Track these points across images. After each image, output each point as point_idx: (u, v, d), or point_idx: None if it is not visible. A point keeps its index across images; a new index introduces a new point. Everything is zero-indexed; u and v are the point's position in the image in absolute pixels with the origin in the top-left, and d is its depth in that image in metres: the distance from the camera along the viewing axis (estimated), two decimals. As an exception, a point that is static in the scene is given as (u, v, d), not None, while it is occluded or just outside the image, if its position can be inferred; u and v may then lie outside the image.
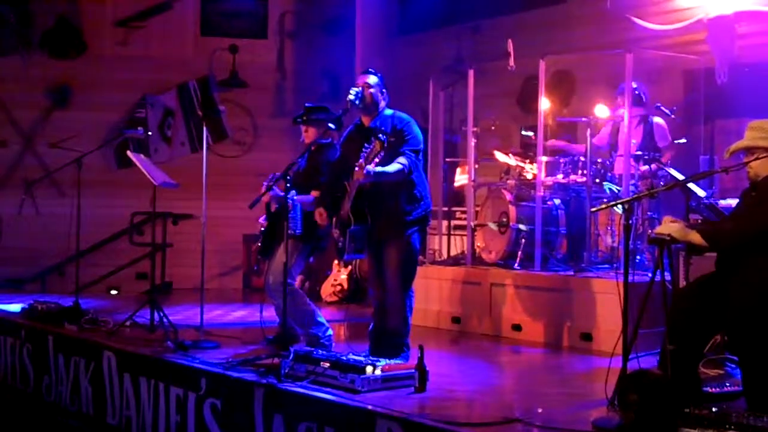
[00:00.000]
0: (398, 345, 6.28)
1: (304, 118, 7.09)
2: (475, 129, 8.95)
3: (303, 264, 7.13)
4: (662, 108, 8.23)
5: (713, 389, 5.27)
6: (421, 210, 6.34)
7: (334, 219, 6.38)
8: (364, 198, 6.11)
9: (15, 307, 8.95)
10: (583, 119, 8.56)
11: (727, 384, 5.43)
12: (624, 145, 8.01)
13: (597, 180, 8.18)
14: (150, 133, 12.06)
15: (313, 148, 6.91)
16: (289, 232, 6.17)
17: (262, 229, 7.16)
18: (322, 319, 6.99)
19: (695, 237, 4.92)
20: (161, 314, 7.52)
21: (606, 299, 7.15)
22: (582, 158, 8.23)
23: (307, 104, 7.33)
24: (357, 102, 6.30)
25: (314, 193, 6.85)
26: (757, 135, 5.12)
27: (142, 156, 8.34)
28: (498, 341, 7.94)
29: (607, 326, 7.10)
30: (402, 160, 6.13)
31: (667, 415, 4.30)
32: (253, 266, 11.72)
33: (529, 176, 8.62)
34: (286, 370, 5.63)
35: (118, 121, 12.45)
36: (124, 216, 11.46)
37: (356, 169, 5.95)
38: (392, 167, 6.08)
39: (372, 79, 6.37)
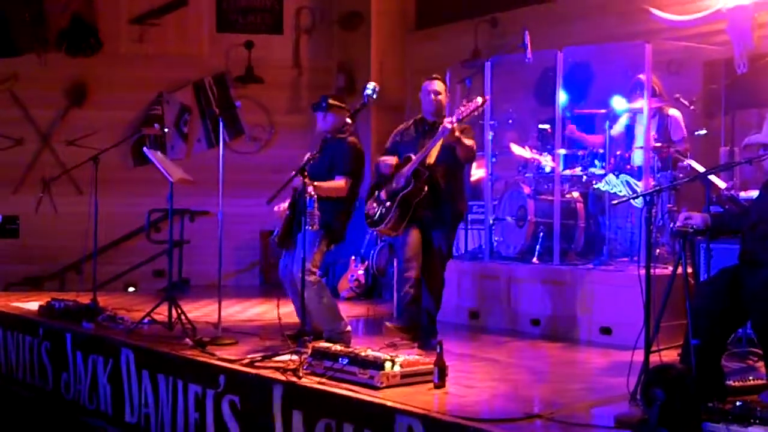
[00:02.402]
0: (433, 328, 6.84)
1: (324, 105, 7.04)
2: (492, 122, 8.91)
3: (322, 255, 7.05)
4: (681, 99, 8.16)
5: (736, 382, 5.21)
6: (465, 206, 7.02)
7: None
8: (426, 169, 6.51)
9: (33, 305, 8.96)
10: (601, 111, 8.51)
11: (751, 377, 5.37)
12: (644, 137, 7.94)
13: (615, 173, 8.11)
14: (166, 130, 12.07)
15: (329, 136, 6.89)
16: (306, 227, 6.15)
17: (286, 213, 7.07)
18: (341, 315, 6.97)
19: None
20: (179, 311, 7.51)
21: (625, 293, 7.09)
22: (601, 150, 8.17)
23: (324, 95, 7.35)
24: (374, 96, 6.36)
25: (339, 179, 6.81)
26: None
27: (158, 153, 8.34)
28: (517, 336, 7.89)
29: (627, 320, 7.03)
30: (472, 142, 6.60)
31: (691, 410, 4.25)
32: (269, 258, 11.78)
33: (547, 169, 8.57)
34: (305, 367, 5.61)
35: (134, 118, 12.46)
36: (141, 213, 11.46)
37: (445, 123, 6.35)
38: (469, 141, 6.53)
39: (440, 86, 6.81)
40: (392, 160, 6.75)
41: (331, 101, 7.02)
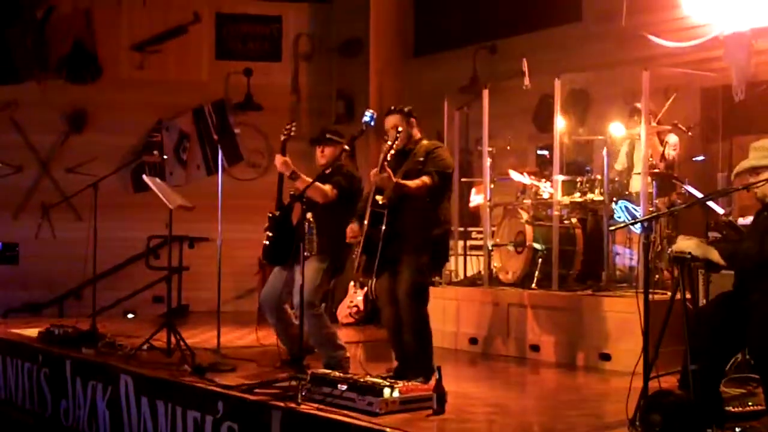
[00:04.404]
0: (420, 364, 6.29)
1: (320, 139, 7.08)
2: (490, 148, 8.93)
3: (327, 284, 7.02)
4: (679, 126, 8.19)
5: (736, 408, 5.20)
6: (440, 232, 6.41)
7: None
8: (381, 209, 6.20)
9: (32, 332, 8.95)
10: (599, 137, 8.54)
11: (750, 403, 5.36)
12: (642, 164, 7.97)
13: (614, 199, 8.13)
14: (166, 156, 12.11)
15: (327, 171, 6.88)
16: (306, 254, 6.15)
17: (269, 234, 7.07)
18: (341, 343, 6.96)
19: (713, 254, 4.87)
20: (178, 337, 7.50)
21: (624, 318, 7.08)
22: (599, 176, 8.20)
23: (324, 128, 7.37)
24: (372, 123, 6.34)
25: (328, 185, 6.77)
26: (759, 155, 5.13)
27: (157, 180, 8.36)
28: (516, 362, 7.89)
29: (626, 346, 7.03)
30: (425, 178, 6.23)
31: (689, 436, 4.25)
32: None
33: (546, 195, 8.58)
34: (304, 393, 5.60)
35: (134, 144, 12.52)
36: (141, 239, 11.47)
37: (373, 171, 6.08)
38: (414, 182, 6.19)
39: (396, 118, 6.42)
40: (351, 230, 6.47)
41: (328, 135, 7.05)
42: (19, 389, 8.43)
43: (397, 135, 6.19)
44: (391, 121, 6.44)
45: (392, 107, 6.58)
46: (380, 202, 6.21)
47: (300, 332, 6.28)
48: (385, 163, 6.06)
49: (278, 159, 6.85)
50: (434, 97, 9.84)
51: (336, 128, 7.45)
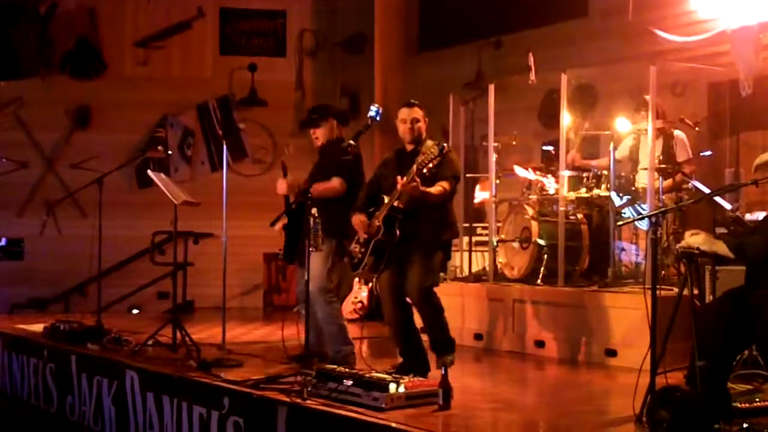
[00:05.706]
0: (444, 341, 6.46)
1: (308, 121, 7.12)
2: (495, 144, 8.91)
3: (335, 268, 7.02)
4: (686, 121, 8.16)
5: (743, 405, 5.18)
6: (450, 235, 6.51)
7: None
8: (398, 214, 6.23)
9: (38, 327, 8.95)
10: (606, 132, 8.51)
11: (757, 399, 5.35)
12: (648, 159, 7.95)
13: (620, 194, 8.10)
14: (170, 152, 12.10)
15: (323, 146, 6.91)
16: (311, 249, 6.13)
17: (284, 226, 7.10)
18: (350, 338, 6.94)
19: (721, 247, 4.85)
20: (183, 333, 7.50)
21: (631, 314, 7.06)
22: (605, 172, 8.17)
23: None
24: (377, 118, 6.32)
25: (335, 180, 6.79)
26: None
27: (162, 175, 8.35)
28: (521, 358, 7.88)
29: (632, 342, 7.01)
30: (445, 184, 6.27)
31: (697, 432, 4.23)
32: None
33: (551, 191, 8.56)
34: (309, 388, 5.59)
35: (138, 141, 12.50)
36: (146, 236, 11.46)
37: (400, 179, 6.05)
38: (435, 189, 6.22)
39: (419, 113, 6.45)
40: (361, 222, 6.44)
41: (314, 116, 7.14)
42: (25, 385, 8.44)
43: (433, 159, 6.07)
44: (412, 113, 6.43)
45: (412, 101, 6.57)
46: (397, 207, 6.24)
47: (306, 334, 6.26)
48: (415, 174, 6.03)
49: (281, 185, 6.94)
50: (439, 93, 9.83)
51: (321, 106, 7.49)
